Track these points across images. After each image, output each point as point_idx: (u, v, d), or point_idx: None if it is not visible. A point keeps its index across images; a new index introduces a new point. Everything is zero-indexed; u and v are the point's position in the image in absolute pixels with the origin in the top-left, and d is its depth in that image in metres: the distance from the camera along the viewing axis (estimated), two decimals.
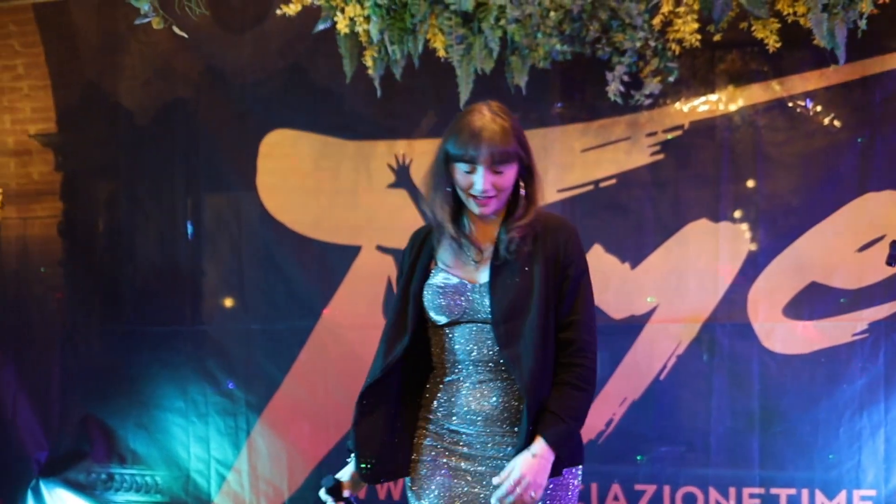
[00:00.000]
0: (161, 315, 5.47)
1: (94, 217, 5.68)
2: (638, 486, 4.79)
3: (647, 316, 4.76)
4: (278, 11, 4.59)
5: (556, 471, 2.73)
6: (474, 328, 2.83)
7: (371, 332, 4.94)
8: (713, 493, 4.70)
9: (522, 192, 2.84)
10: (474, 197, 2.78)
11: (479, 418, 2.83)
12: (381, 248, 5.05)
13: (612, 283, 4.78)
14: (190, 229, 5.41)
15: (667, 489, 4.75)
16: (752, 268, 4.65)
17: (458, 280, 2.86)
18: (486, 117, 2.76)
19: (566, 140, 4.84)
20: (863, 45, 4.32)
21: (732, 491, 4.67)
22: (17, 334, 5.78)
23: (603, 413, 4.79)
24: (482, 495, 2.81)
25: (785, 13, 4.20)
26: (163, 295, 5.49)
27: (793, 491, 4.60)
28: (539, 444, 2.69)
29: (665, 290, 4.75)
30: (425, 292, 2.88)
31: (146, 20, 4.35)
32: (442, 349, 2.90)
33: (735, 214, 4.67)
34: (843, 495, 4.55)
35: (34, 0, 5.50)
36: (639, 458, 4.79)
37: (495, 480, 2.69)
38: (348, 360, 5.00)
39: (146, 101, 5.50)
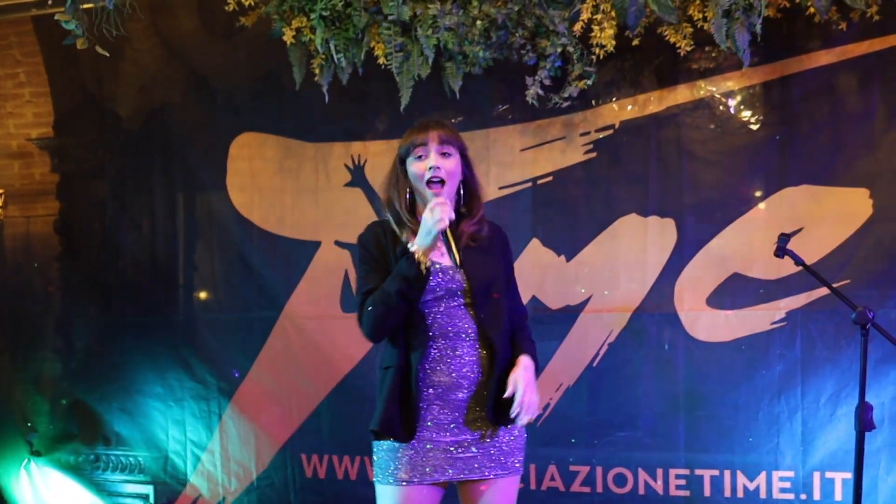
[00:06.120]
0: (143, 306, 5.72)
1: (86, 215, 5.91)
2: (572, 467, 4.94)
3: (581, 306, 4.91)
4: (237, 23, 4.90)
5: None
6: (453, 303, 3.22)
7: (329, 322, 5.29)
8: (642, 474, 4.84)
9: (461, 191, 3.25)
10: (429, 183, 3.15)
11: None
12: (338, 243, 5.26)
13: (549, 274, 4.95)
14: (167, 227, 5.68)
15: (599, 470, 4.90)
16: (678, 260, 4.78)
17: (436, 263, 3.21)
18: (432, 118, 3.28)
19: (507, 140, 5.00)
20: (780, 47, 4.49)
21: (660, 472, 4.81)
22: (14, 324, 6.04)
23: (541, 398, 4.96)
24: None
25: (695, 18, 4.29)
26: (145, 288, 5.73)
27: (716, 472, 4.73)
28: (525, 358, 3.21)
29: (598, 282, 4.89)
30: None
31: (73, 41, 4.64)
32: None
33: (662, 209, 4.79)
34: (762, 476, 4.67)
35: (33, 13, 5.71)
36: (573, 440, 4.94)
37: (506, 395, 3.11)
38: (308, 349, 5.29)
39: (134, 106, 5.74)
